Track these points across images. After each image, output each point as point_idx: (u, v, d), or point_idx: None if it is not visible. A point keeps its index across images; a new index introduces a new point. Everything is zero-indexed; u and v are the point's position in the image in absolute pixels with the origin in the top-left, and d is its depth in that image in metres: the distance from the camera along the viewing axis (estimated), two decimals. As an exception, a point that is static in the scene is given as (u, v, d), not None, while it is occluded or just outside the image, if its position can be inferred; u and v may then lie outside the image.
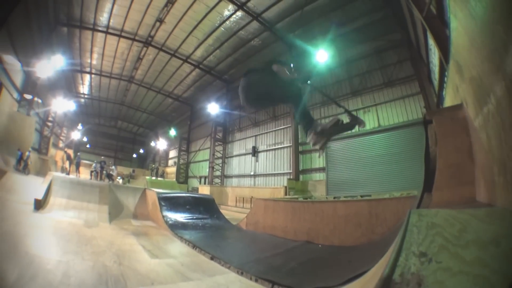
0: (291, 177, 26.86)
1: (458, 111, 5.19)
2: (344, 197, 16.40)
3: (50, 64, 27.47)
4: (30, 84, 26.73)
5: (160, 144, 53.36)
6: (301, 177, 26.85)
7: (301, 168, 27.12)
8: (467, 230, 2.32)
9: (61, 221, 12.55)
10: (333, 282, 6.03)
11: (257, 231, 13.40)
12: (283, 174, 28.45)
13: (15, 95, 24.18)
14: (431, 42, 10.78)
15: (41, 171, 24.65)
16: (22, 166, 21.39)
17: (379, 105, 22.91)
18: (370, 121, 23.03)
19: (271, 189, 26.91)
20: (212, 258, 9.38)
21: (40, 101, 30.53)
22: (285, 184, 26.12)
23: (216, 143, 37.78)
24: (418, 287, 1.86)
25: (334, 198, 17.31)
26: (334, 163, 23.13)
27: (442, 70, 8.95)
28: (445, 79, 7.75)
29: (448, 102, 7.38)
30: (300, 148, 27.57)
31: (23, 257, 7.78)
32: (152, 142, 57.45)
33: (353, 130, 23.33)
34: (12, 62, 21.38)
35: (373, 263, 4.79)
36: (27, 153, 22.14)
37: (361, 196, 15.36)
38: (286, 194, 24.01)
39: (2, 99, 19.43)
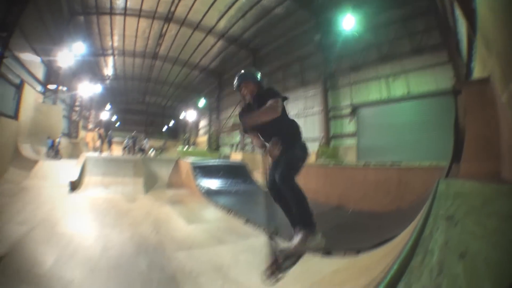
0: (322, 142, 26.52)
1: (486, 84, 4.94)
2: (374, 164, 16.19)
3: (71, 53, 27.48)
4: (53, 75, 26.92)
5: (190, 115, 53.13)
6: (332, 142, 26.50)
7: (331, 133, 26.70)
8: (491, 202, 2.29)
9: (97, 198, 12.83)
10: (363, 245, 6.14)
11: None
12: (314, 139, 27.98)
13: (39, 88, 24.53)
14: (458, 12, 10.38)
15: (73, 154, 25.21)
16: (54, 152, 21.89)
17: (408, 73, 22.13)
18: (399, 88, 22.40)
19: None
20: (246, 222, 9.50)
21: (65, 88, 30.74)
22: (316, 149, 25.88)
23: None
24: (445, 245, 1.99)
25: (365, 164, 17.09)
26: (365, 129, 22.69)
27: (470, 42, 8.57)
28: (473, 51, 7.43)
29: (476, 74, 7.09)
30: (331, 113, 27.10)
31: (61, 238, 7.98)
32: (182, 113, 57.20)
33: (383, 96, 22.67)
34: (31, 58, 21.55)
35: (401, 229, 4.86)
36: (57, 140, 22.54)
37: (391, 164, 15.13)
38: (317, 159, 23.81)
39: (25, 95, 19.64)
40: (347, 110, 24.41)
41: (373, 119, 22.27)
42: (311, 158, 24.21)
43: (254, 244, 7.68)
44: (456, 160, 5.94)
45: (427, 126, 18.43)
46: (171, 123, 64.33)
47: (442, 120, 15.98)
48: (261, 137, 4.36)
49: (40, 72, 24.65)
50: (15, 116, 18.48)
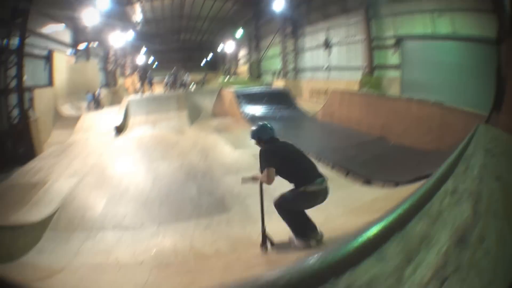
0: (365, 72, 25.75)
1: None
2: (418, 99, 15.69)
3: (96, 10, 27.17)
4: (81, 35, 26.84)
5: (229, 46, 52.57)
6: (375, 72, 25.66)
7: (375, 63, 25.81)
8: None
9: (144, 137, 13.04)
10: (402, 178, 6.08)
11: (333, 122, 13.24)
12: (357, 68, 27.02)
13: (69, 51, 24.61)
14: None
15: (114, 102, 25.33)
16: (95, 104, 22.16)
17: (454, 12, 20.71)
18: (445, 26, 21.07)
19: (345, 82, 25.74)
20: None
21: (95, 44, 30.69)
22: (359, 78, 25.24)
23: (287, 37, 36.47)
24: (483, 167, 2.06)
25: (408, 98, 16.64)
26: (409, 63, 21.65)
27: None
28: None
29: None
30: (374, 43, 26.06)
31: (112, 179, 8.28)
32: (220, 45, 56.84)
33: (427, 31, 21.41)
34: (54, 29, 21.48)
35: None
36: (96, 92, 22.81)
37: (434, 102, 14.55)
38: (360, 89, 23.27)
39: (56, 62, 19.65)
40: (391, 41, 23.47)
41: (418, 53, 21.28)
42: (355, 87, 23.75)
43: None
44: (496, 110, 5.84)
45: (472, 71, 17.49)
46: (210, 56, 64.03)
47: (486, 68, 15.24)
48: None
49: (67, 37, 24.59)
50: (50, 83, 18.76)
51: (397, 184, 6.08)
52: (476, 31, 18.36)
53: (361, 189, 6.43)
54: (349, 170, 7.17)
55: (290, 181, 4.71)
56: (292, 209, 4.82)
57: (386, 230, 1.33)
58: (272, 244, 4.78)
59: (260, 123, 5.02)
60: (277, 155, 4.74)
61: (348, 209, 5.62)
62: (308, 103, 22.82)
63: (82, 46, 27.13)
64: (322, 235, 4.53)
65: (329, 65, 29.91)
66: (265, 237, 4.78)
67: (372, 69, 24.75)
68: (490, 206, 1.76)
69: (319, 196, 4.54)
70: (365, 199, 5.90)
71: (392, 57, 22.92)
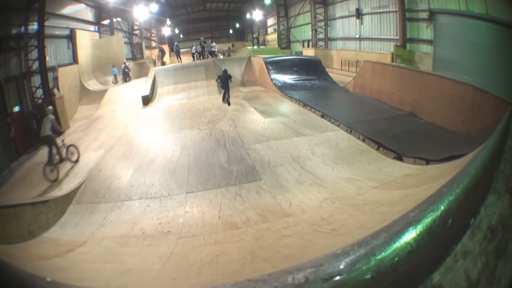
0: (398, 44, 25.03)
1: None
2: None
3: None
4: (104, 11, 26.82)
5: (256, 15, 51.93)
6: (408, 46, 24.91)
7: (408, 36, 25.02)
8: None
9: (172, 105, 12.99)
10: (433, 157, 5.93)
11: (364, 94, 13.09)
12: (389, 40, 26.20)
13: (92, 28, 24.64)
14: None
15: (141, 74, 25.57)
16: (123, 77, 22.16)
17: None
18: (478, 5, 20.18)
19: (377, 54, 25.21)
20: (322, 116, 9.30)
21: (119, 19, 30.68)
22: (392, 50, 24.57)
23: (317, 6, 35.60)
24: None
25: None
26: (442, 39, 21.03)
27: None
28: None
29: None
30: (407, 15, 25.18)
31: (140, 148, 8.16)
32: (247, 14, 56.30)
33: (461, 8, 20.58)
34: (74, 9, 21.47)
35: (470, 150, 4.22)
36: (122, 65, 22.80)
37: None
38: (392, 61, 22.72)
39: (79, 39, 19.82)
40: (425, 14, 22.80)
41: (451, 30, 20.61)
42: (387, 59, 23.28)
43: (330, 138, 7.66)
44: None
45: (504, 56, 16.84)
46: (237, 25, 63.63)
47: None
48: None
49: (89, 15, 24.67)
50: (74, 61, 18.99)
51: (428, 162, 5.91)
52: (508, 16, 17.65)
53: (392, 164, 6.31)
54: (380, 144, 7.06)
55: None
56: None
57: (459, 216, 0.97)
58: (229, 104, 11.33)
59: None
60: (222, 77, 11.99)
61: (380, 183, 5.47)
62: (339, 73, 22.56)
63: (105, 22, 27.19)
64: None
65: (360, 35, 29.37)
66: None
67: (405, 42, 24.15)
68: None
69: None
70: (396, 174, 5.77)
71: (426, 31, 22.32)
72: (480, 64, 17.83)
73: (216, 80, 12.46)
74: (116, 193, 5.89)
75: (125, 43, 30.12)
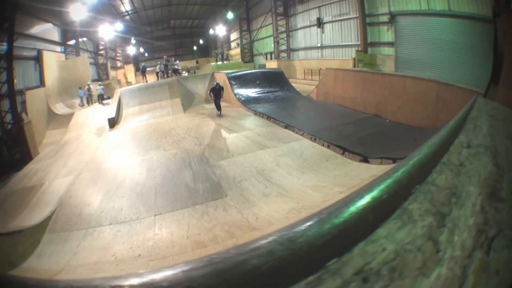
0: (360, 49, 25.57)
1: None
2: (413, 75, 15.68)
3: (83, 5, 26.92)
4: (69, 31, 26.70)
5: (219, 30, 52.13)
6: (369, 50, 25.46)
7: (369, 40, 25.55)
8: None
9: (138, 127, 13.06)
10: (399, 155, 6.07)
11: (327, 101, 13.42)
12: (351, 46, 26.82)
13: (58, 49, 24.48)
14: None
15: (107, 95, 24.86)
16: (86, 100, 21.94)
17: None
18: (439, 2, 20.86)
19: (339, 60, 25.75)
20: (286, 127, 9.57)
21: (85, 39, 30.49)
22: (353, 56, 25.12)
23: (278, 18, 35.89)
24: (491, 127, 1.88)
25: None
26: (403, 39, 21.60)
27: None
28: None
29: None
30: (368, 20, 25.75)
31: (108, 173, 8.25)
32: (211, 30, 56.50)
33: (422, 7, 21.22)
34: (41, 28, 21.32)
35: None
36: (86, 88, 22.57)
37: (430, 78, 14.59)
38: (354, 67, 23.24)
39: (46, 61, 19.63)
40: (385, 18, 23.36)
41: (412, 30, 21.24)
42: (349, 65, 23.82)
43: (294, 148, 7.85)
44: (493, 84, 5.79)
45: (467, 49, 17.42)
46: (201, 41, 63.75)
47: (482, 46, 15.14)
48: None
49: (55, 35, 24.47)
50: (41, 84, 18.72)
51: (395, 161, 6.11)
52: (471, 9, 18.25)
53: (358, 167, 6.45)
54: (345, 149, 7.21)
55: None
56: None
57: (405, 184, 1.20)
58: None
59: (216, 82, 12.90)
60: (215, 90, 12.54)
61: (347, 187, 5.61)
62: (302, 83, 22.97)
63: (71, 42, 26.99)
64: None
65: (322, 43, 29.86)
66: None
67: (366, 46, 24.69)
68: (510, 161, 1.70)
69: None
70: (363, 176, 5.90)
71: (387, 34, 22.85)
72: (444, 60, 18.38)
73: (209, 94, 13.04)
74: (87, 220, 5.97)
75: (90, 63, 29.89)
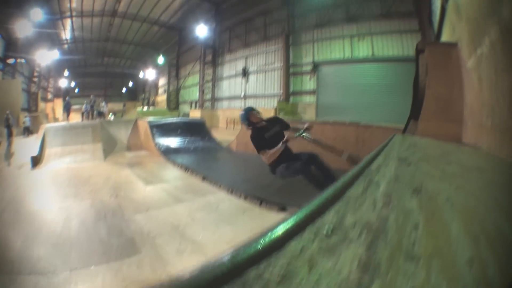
0: (281, 98, 26.61)
1: (452, 48, 5.15)
2: (333, 121, 16.61)
3: (29, 22, 26.53)
4: (11, 48, 26.11)
5: (149, 74, 51.98)
6: (291, 99, 26.58)
7: (291, 90, 26.70)
8: (451, 154, 2.34)
9: (59, 170, 12.90)
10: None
11: (248, 151, 13.49)
12: (274, 95, 28.04)
13: None
14: None
15: (34, 128, 24.05)
16: (9, 129, 21.13)
17: (375, 35, 22.06)
18: (363, 49, 22.47)
19: (261, 110, 26.77)
20: (203, 179, 9.86)
21: (23, 61, 29.77)
22: (275, 105, 26.05)
23: (206, 66, 36.53)
24: (394, 180, 1.77)
25: (323, 121, 17.41)
26: (325, 87, 22.94)
27: (443, 11, 8.75)
28: (444, 20, 7.61)
29: (444, 40, 7.31)
30: (291, 70, 26.95)
31: (26, 217, 8.11)
32: (141, 73, 56.22)
33: (346, 56, 22.83)
34: None
35: None
36: (16, 119, 21.83)
37: (350, 122, 15.54)
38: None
39: None
40: (308, 67, 24.58)
41: (334, 77, 22.61)
42: (270, 114, 24.67)
43: (210, 201, 8.10)
44: (414, 118, 6.24)
45: (389, 90, 18.87)
46: (130, 84, 63.20)
47: (404, 86, 16.52)
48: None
49: None
50: None
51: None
52: (398, 51, 19.79)
53: (277, 216, 6.69)
54: (263, 199, 7.59)
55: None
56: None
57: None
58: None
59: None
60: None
61: None
62: (224, 132, 23.28)
63: (10, 61, 26.25)
64: None
65: (245, 93, 30.70)
66: None
67: (288, 95, 25.81)
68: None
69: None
70: None
71: (309, 83, 24.08)
72: (366, 103, 19.56)
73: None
74: (9, 266, 5.82)
75: (23, 89, 28.95)
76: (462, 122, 4.61)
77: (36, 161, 13.91)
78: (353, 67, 21.92)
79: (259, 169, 10.30)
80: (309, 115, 23.58)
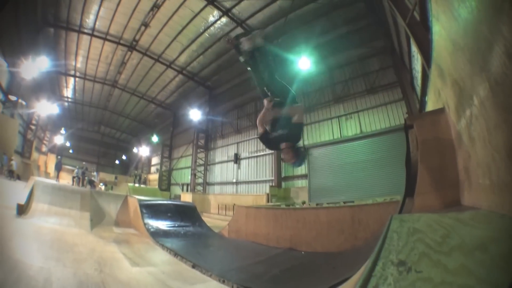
0: (273, 184, 26.78)
1: (440, 115, 5.24)
2: (327, 203, 16.58)
3: (35, 65, 27.06)
4: (15, 85, 26.45)
5: (143, 151, 52.57)
6: (283, 184, 26.77)
7: (283, 175, 27.03)
8: (451, 235, 2.26)
9: (43, 227, 12.46)
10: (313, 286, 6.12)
11: (239, 238, 13.51)
12: (266, 181, 28.29)
13: (0, 95, 23.99)
14: (414, 48, 10.87)
15: (24, 175, 24.16)
16: (8, 172, 20.93)
17: (361, 112, 23.08)
18: (352, 128, 23.21)
19: (254, 196, 26.82)
20: (193, 267, 9.41)
21: (24, 103, 30.03)
22: (268, 191, 26.11)
23: (198, 150, 37.16)
24: None
25: (317, 205, 17.46)
26: (316, 170, 23.27)
27: (425, 76, 8.98)
28: (428, 84, 7.77)
29: (430, 107, 7.29)
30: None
31: (7, 261, 7.72)
32: (135, 148, 56.56)
33: (335, 137, 23.47)
34: None
35: (356, 269, 4.74)
36: (8, 160, 21.69)
37: (344, 203, 15.55)
38: (268, 201, 23.93)
39: None
40: None
41: (325, 159, 22.98)
42: (263, 200, 24.58)
43: None
44: (409, 194, 6.12)
45: (380, 163, 19.16)
46: (124, 157, 63.42)
47: (394, 156, 16.75)
48: None
49: (4, 79, 24.04)
50: None
51: None
52: (385, 123, 20.12)
53: None
54: None
55: None
56: None
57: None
58: None
59: None
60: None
61: None
62: (215, 218, 23.15)
63: (13, 98, 26.32)
64: None
65: (237, 179, 30.91)
66: None
67: (280, 181, 25.89)
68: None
69: None
70: None
71: (300, 168, 24.18)
72: (358, 180, 19.60)
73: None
74: None
75: (19, 132, 28.91)
76: (459, 185, 4.55)
77: (21, 209, 13.52)
78: (343, 146, 22.38)
79: (253, 257, 10.15)
80: (302, 198, 23.50)
